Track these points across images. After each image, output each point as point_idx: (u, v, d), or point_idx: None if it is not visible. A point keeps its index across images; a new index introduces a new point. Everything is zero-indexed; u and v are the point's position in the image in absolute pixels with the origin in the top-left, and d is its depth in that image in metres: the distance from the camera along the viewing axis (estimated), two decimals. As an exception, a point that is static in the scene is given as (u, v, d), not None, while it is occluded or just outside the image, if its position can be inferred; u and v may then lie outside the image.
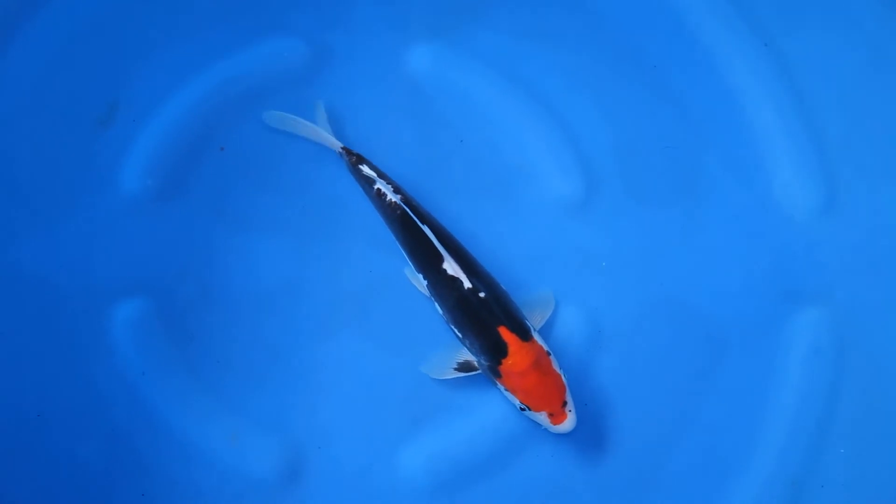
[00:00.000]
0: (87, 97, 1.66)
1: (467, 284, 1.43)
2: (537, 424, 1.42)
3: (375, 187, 1.51)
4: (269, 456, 1.50)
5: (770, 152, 1.61)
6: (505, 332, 1.39)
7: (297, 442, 1.51)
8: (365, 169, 1.53)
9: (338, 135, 1.60)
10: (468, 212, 1.59)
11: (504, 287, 1.47)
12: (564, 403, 1.38)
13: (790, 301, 1.54)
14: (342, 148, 1.56)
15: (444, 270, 1.44)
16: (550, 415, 1.38)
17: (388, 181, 1.51)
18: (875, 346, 1.51)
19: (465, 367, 1.46)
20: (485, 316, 1.41)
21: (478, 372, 1.45)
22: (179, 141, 1.64)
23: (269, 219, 1.61)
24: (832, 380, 1.50)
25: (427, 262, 1.46)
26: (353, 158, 1.55)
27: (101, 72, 1.67)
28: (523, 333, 1.40)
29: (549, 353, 1.41)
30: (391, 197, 1.49)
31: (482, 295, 1.42)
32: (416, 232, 1.47)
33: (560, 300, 1.55)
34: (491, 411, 1.48)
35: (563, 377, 1.40)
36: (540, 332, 1.46)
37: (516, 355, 1.38)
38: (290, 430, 1.51)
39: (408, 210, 1.47)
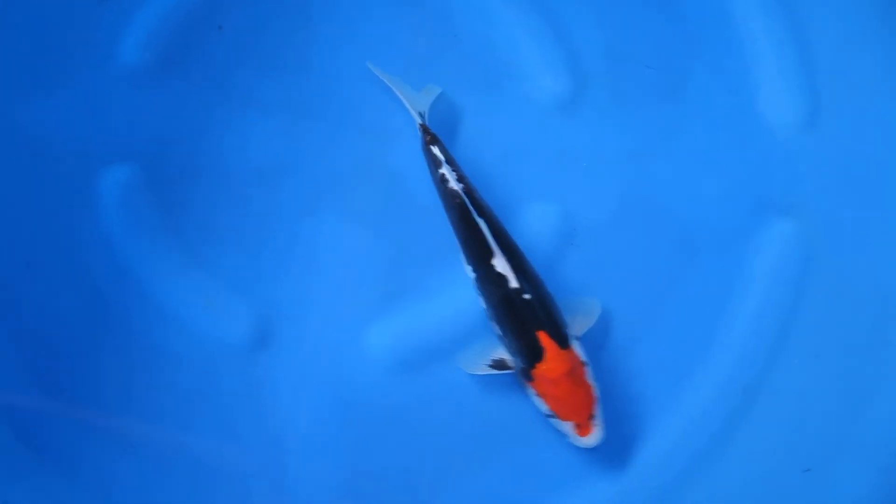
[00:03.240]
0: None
1: (514, 284, 1.40)
2: None
3: (440, 171, 1.49)
4: (240, 321, 1.54)
5: (758, 64, 1.61)
6: (544, 337, 1.37)
7: (269, 310, 1.54)
8: (435, 150, 1.50)
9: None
10: (454, 104, 1.61)
11: (551, 290, 1.44)
12: (592, 416, 1.37)
13: (763, 211, 1.55)
14: (420, 125, 1.54)
15: (493, 266, 1.42)
16: (577, 426, 1.37)
17: (455, 167, 1.49)
18: (840, 262, 1.52)
19: (499, 364, 1.44)
20: (526, 318, 1.39)
21: (510, 371, 1.43)
22: (178, 18, 1.67)
23: (263, 97, 1.64)
24: (795, 292, 1.51)
25: (478, 255, 1.44)
26: (429, 138, 1.52)
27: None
28: (562, 340, 1.38)
29: (584, 364, 1.39)
30: (453, 184, 1.47)
31: (527, 297, 1.40)
32: (471, 223, 1.44)
33: (538, 196, 1.57)
34: (460, 295, 1.51)
35: (595, 389, 1.38)
36: (581, 339, 1.43)
37: (552, 362, 1.36)
38: (264, 298, 1.55)
39: (466, 201, 1.46)
